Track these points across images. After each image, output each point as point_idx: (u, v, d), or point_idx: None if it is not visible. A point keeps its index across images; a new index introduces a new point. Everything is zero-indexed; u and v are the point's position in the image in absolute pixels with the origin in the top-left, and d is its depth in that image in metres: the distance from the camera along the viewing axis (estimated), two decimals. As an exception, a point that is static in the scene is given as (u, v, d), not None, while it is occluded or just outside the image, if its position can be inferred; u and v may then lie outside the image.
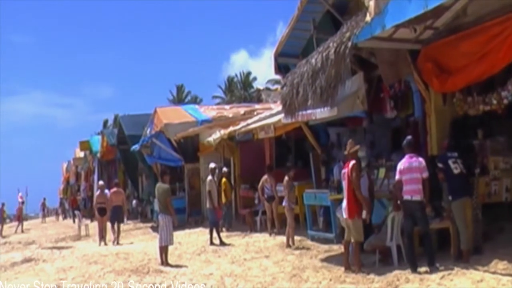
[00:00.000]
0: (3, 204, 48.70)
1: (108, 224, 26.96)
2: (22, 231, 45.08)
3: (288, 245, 18.20)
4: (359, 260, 13.39)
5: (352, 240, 13.42)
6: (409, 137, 13.29)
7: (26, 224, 49.03)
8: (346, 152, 14.02)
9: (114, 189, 27.49)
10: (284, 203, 18.63)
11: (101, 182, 29.80)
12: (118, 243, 25.65)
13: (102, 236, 26.46)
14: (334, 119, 17.68)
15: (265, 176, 21.64)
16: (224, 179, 23.83)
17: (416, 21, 12.73)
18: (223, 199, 23.68)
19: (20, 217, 48.13)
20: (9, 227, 61.50)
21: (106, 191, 27.84)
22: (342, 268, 13.52)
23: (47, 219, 60.63)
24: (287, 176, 18.70)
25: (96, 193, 28.21)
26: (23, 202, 49.55)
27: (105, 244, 25.97)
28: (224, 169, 24.32)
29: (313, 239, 18.57)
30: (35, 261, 22.49)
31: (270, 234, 21.20)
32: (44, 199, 64.26)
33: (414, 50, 14.76)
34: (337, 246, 16.68)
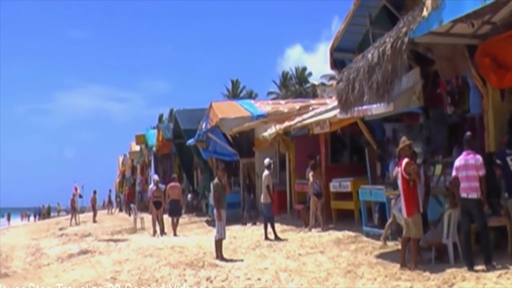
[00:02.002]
0: (95, 192, 49.72)
1: (167, 218, 27.89)
2: (95, 221, 45.66)
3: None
4: (417, 257, 13.29)
5: (411, 237, 13.33)
6: (468, 133, 13.15)
7: (82, 216, 49.61)
8: (398, 149, 13.94)
9: (171, 183, 28.37)
10: None
11: (156, 177, 30.56)
12: (175, 235, 26.42)
13: (156, 229, 27.78)
14: (390, 115, 17.58)
15: (312, 173, 22.11)
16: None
17: (473, 16, 12.61)
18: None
19: (95, 207, 49.01)
20: (65, 219, 62.53)
21: (161, 185, 28.49)
22: (398, 265, 13.42)
23: (103, 211, 61.32)
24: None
25: (153, 188, 28.99)
26: (95, 192, 50.36)
27: (159, 236, 27.00)
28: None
29: (368, 235, 18.50)
30: (92, 253, 22.82)
31: (323, 229, 21.27)
32: (110, 191, 65.34)
33: (472, 45, 14.63)
34: (392, 243, 16.60)
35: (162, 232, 27.81)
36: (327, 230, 21.30)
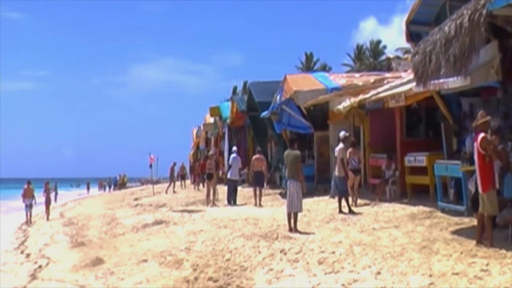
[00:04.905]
0: (174, 164, 50.59)
1: (251, 189, 29.57)
2: (198, 189, 46.11)
3: None
4: (492, 234, 13.11)
5: (485, 214, 13.15)
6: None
7: (156, 187, 50.16)
8: (475, 124, 13.73)
9: (257, 155, 29.53)
10: None
11: (210, 152, 35.52)
12: (260, 205, 27.27)
13: (210, 199, 30.40)
14: (466, 89, 17.33)
15: (351, 149, 22.49)
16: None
17: (554, -12, 12.31)
18: None
19: (198, 175, 49.88)
20: (140, 190, 63.34)
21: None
22: (474, 242, 13.26)
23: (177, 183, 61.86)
24: None
25: (207, 161, 32.22)
26: (174, 163, 51.24)
27: (213, 205, 29.34)
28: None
29: (443, 211, 18.30)
30: (166, 224, 23.22)
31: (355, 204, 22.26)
32: (175, 164, 65.92)
33: (553, 18, 14.29)
34: (468, 219, 16.39)
35: (213, 202, 30.05)
36: (359, 205, 22.05)
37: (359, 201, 22.73)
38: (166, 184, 51.60)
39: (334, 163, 24.40)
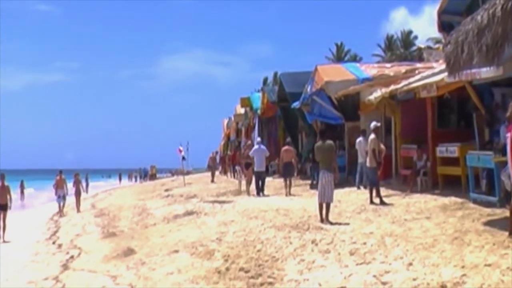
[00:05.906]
0: (216, 153, 51.10)
1: (281, 180, 30.11)
2: (235, 178, 46.46)
3: None
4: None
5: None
6: None
7: (187, 178, 50.29)
8: (508, 114, 13.61)
9: (285, 147, 30.31)
10: None
11: (249, 142, 35.11)
12: (290, 194, 27.86)
13: (244, 189, 31.04)
14: (499, 79, 17.21)
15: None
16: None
17: None
18: None
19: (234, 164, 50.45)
20: (171, 181, 63.55)
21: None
22: (506, 233, 13.13)
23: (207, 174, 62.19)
24: None
25: (246, 151, 32.26)
26: (216, 152, 52.02)
27: (248, 195, 29.42)
28: None
29: (475, 201, 18.16)
30: (197, 214, 23.30)
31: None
32: (216, 152, 66.45)
33: None
34: (500, 210, 16.23)
35: (247, 192, 30.20)
36: (388, 196, 21.83)
37: (390, 191, 22.69)
38: (198, 175, 51.88)
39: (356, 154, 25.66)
